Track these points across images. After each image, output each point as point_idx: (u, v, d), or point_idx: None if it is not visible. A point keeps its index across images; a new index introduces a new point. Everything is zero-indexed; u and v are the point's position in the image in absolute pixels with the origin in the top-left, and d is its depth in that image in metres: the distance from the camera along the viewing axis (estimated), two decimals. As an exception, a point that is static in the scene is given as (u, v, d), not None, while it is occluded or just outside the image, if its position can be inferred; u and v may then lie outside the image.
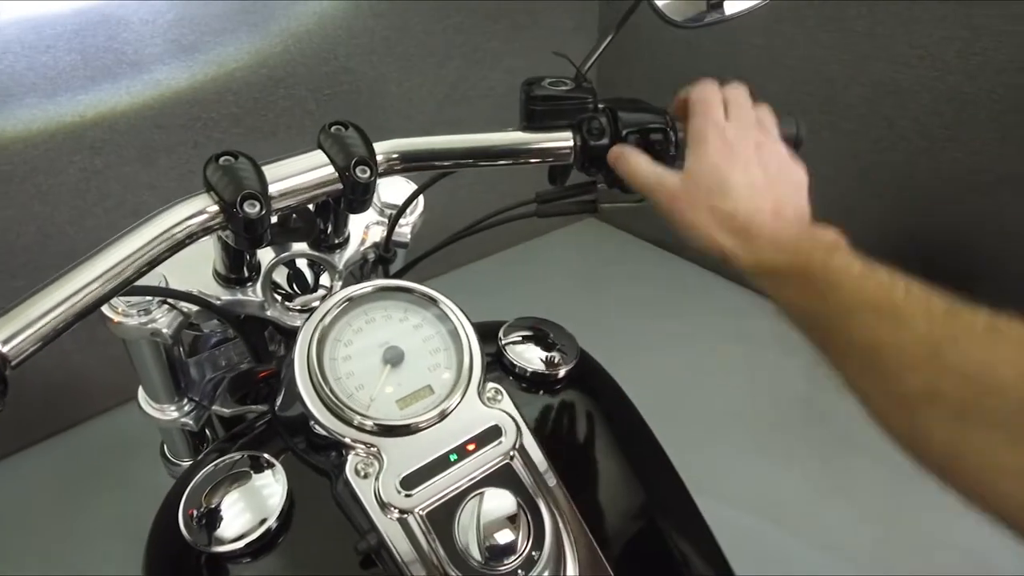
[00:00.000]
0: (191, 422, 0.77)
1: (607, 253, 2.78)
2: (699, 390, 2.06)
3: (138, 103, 1.71)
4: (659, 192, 0.57)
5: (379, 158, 0.59)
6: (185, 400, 0.77)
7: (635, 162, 0.60)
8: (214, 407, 0.79)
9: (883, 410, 0.45)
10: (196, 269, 0.67)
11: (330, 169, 0.57)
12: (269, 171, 0.54)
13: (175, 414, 0.77)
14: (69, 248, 1.71)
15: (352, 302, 0.56)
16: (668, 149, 0.64)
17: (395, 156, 0.60)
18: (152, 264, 0.50)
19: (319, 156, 0.57)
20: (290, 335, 0.72)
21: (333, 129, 0.58)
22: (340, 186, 0.57)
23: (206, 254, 0.68)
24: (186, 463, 0.89)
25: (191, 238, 0.52)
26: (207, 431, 0.89)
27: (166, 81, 1.74)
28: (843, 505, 1.72)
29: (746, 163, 0.55)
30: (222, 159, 0.53)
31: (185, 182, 1.83)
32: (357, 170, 0.56)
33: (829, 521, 1.68)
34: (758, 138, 0.58)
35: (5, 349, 0.42)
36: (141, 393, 0.77)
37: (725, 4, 0.75)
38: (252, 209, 0.51)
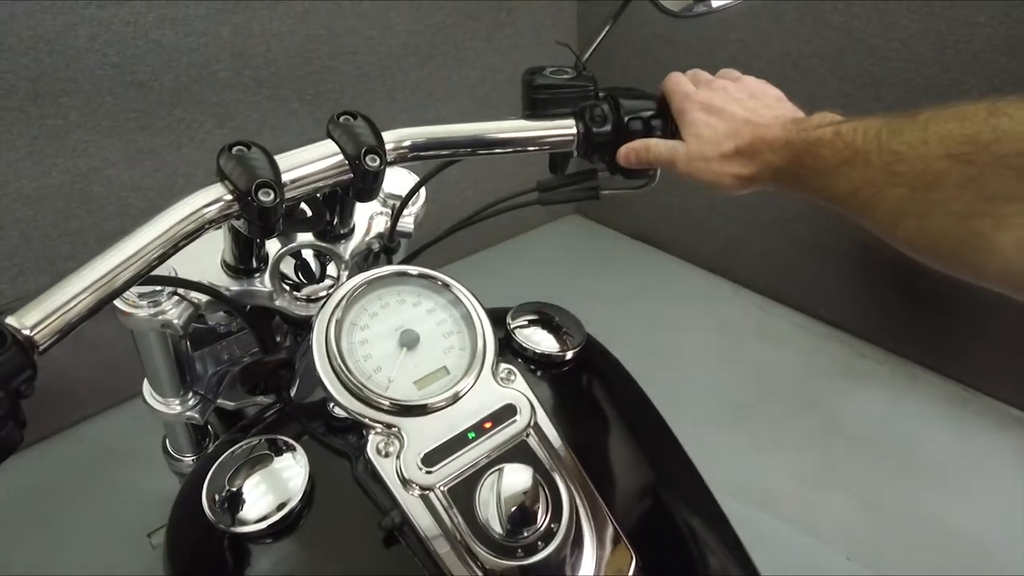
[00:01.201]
0: (197, 415, 0.78)
1: (589, 248, 2.81)
2: (685, 378, 2.08)
3: (121, 105, 1.70)
4: (678, 162, 0.64)
5: (388, 146, 0.60)
6: (190, 394, 0.78)
7: (646, 147, 0.66)
8: (219, 400, 0.79)
9: (890, 238, 0.50)
10: (204, 261, 0.68)
11: (340, 158, 0.58)
12: (281, 160, 0.55)
13: (180, 408, 0.78)
14: (52, 252, 1.69)
15: (367, 287, 0.57)
16: (663, 129, 0.68)
17: (405, 145, 0.61)
18: (168, 254, 0.51)
19: (329, 146, 0.58)
20: (298, 325, 0.73)
21: (342, 119, 0.59)
22: (350, 175, 0.58)
23: (213, 247, 0.68)
24: (188, 458, 0.89)
25: (207, 226, 0.53)
26: (208, 426, 0.89)
27: (149, 83, 1.73)
28: (832, 491, 1.75)
29: (725, 107, 0.63)
30: (235, 149, 0.54)
31: (170, 184, 1.82)
32: (367, 158, 0.57)
33: (818, 507, 1.70)
34: (724, 84, 0.65)
35: (33, 334, 0.43)
36: (146, 387, 0.77)
37: (712, -1, 0.78)
38: (267, 197, 0.52)
